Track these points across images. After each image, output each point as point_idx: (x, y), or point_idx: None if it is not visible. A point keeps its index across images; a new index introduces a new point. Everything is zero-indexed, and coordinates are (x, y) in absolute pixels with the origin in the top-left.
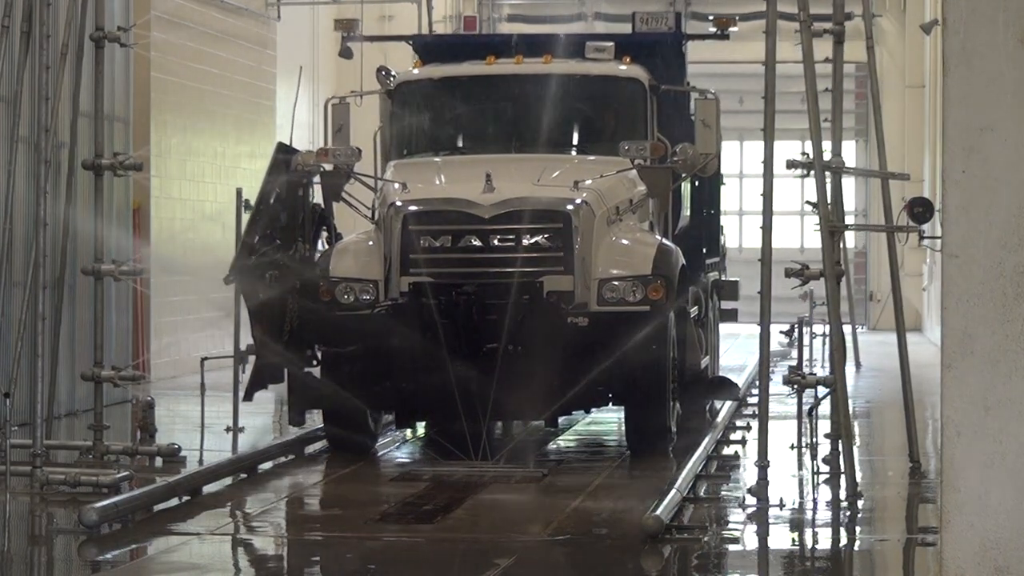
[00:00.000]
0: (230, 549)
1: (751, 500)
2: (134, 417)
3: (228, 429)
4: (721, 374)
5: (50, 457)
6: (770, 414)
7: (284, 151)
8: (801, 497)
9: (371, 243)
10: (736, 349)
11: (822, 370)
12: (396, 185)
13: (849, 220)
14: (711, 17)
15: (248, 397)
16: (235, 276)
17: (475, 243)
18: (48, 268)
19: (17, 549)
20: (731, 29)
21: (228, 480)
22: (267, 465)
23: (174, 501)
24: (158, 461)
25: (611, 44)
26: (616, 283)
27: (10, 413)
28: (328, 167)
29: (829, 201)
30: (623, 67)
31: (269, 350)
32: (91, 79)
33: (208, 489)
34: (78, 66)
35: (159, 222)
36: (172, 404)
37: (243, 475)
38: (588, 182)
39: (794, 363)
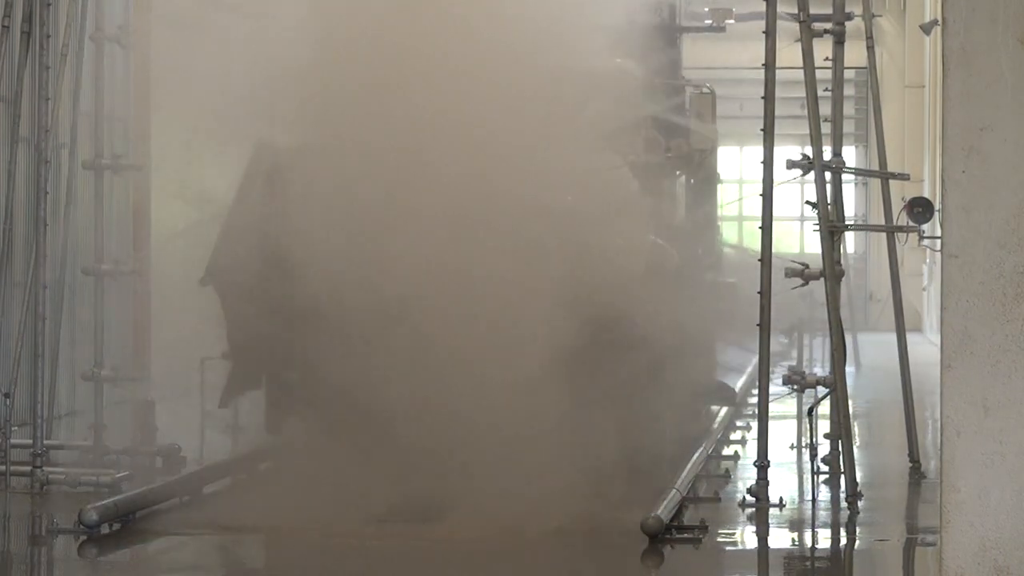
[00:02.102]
0: (230, 549)
1: (751, 500)
2: (134, 417)
3: (228, 428)
4: (718, 377)
5: (50, 457)
6: (770, 414)
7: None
8: (801, 497)
9: None
10: (734, 350)
11: (822, 370)
12: None
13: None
14: (707, 9)
15: (224, 404)
16: (211, 278)
17: None
18: (48, 268)
19: (17, 549)
20: (727, 21)
21: (228, 480)
22: (267, 464)
23: (174, 501)
24: (158, 461)
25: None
26: (608, 283)
27: (10, 413)
28: None
29: (829, 201)
30: (617, 60)
31: (246, 355)
32: (91, 79)
33: (208, 489)
34: (78, 66)
35: (159, 222)
36: (172, 404)
37: (243, 475)
38: (579, 178)
39: (794, 363)
